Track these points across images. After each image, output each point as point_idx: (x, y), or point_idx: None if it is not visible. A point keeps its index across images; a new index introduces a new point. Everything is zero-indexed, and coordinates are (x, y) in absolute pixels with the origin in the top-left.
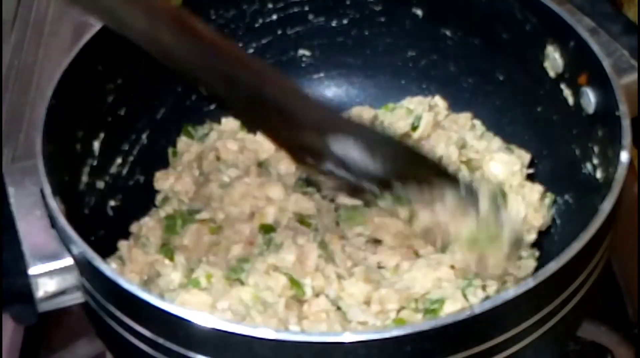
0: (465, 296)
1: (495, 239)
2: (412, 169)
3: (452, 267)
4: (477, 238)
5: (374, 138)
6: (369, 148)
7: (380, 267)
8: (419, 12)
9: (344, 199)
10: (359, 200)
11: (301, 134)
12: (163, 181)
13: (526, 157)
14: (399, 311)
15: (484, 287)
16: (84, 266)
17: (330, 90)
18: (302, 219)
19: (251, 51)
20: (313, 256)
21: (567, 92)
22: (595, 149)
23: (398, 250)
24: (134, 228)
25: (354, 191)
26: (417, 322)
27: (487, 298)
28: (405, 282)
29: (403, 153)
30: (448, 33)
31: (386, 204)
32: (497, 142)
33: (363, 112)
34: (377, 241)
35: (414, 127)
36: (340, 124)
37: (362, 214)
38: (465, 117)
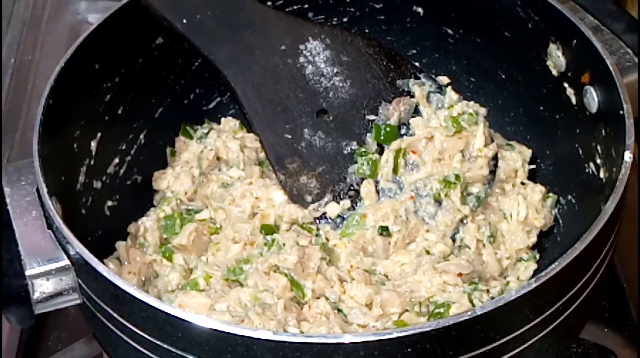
0: (471, 301)
1: None
2: None
3: (459, 275)
4: None
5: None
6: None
7: (384, 275)
8: (420, 10)
9: (332, 211)
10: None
11: None
12: (161, 180)
13: (527, 153)
14: (401, 314)
15: (488, 291)
16: (80, 267)
17: None
18: (302, 225)
19: None
20: (316, 258)
21: (570, 91)
22: (599, 148)
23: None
24: (131, 228)
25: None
26: None
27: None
28: (408, 285)
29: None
30: (450, 31)
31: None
32: (498, 139)
33: None
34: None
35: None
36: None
37: (352, 227)
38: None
